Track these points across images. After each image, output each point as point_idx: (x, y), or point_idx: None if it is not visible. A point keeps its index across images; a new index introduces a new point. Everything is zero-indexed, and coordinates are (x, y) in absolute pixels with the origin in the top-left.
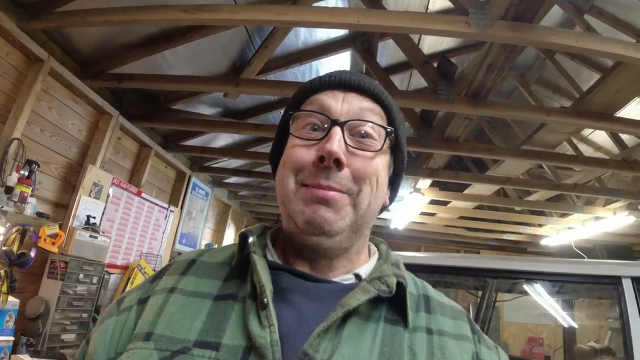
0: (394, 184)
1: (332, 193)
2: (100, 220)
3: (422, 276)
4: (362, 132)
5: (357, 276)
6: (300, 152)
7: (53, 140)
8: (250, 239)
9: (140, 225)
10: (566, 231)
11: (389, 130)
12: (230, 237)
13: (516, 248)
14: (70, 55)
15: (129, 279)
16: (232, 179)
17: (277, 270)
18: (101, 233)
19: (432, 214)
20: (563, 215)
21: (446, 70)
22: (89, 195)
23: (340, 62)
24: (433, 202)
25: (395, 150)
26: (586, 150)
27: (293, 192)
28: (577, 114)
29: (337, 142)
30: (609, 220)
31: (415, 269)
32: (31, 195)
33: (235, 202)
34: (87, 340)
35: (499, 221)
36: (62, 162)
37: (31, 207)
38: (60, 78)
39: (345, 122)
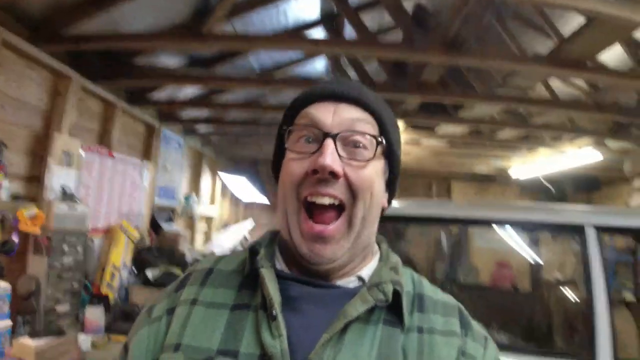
0: (391, 186)
1: (329, 229)
2: (76, 189)
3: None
4: (354, 142)
5: (360, 278)
6: (296, 165)
7: (16, 115)
8: (260, 254)
9: (117, 187)
10: (534, 164)
11: (379, 139)
12: (207, 183)
13: (486, 179)
14: (20, 21)
15: (113, 241)
16: (204, 127)
17: (285, 280)
18: (78, 202)
19: (407, 154)
20: (531, 150)
21: (421, 17)
22: (61, 165)
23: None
24: (408, 143)
25: (389, 155)
26: (558, 87)
27: (295, 212)
28: (553, 63)
29: (329, 155)
30: (573, 154)
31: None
32: (3, 179)
33: (209, 149)
34: (125, 348)
35: (471, 155)
36: (27, 135)
37: (5, 192)
38: (14, 48)
39: (337, 134)
